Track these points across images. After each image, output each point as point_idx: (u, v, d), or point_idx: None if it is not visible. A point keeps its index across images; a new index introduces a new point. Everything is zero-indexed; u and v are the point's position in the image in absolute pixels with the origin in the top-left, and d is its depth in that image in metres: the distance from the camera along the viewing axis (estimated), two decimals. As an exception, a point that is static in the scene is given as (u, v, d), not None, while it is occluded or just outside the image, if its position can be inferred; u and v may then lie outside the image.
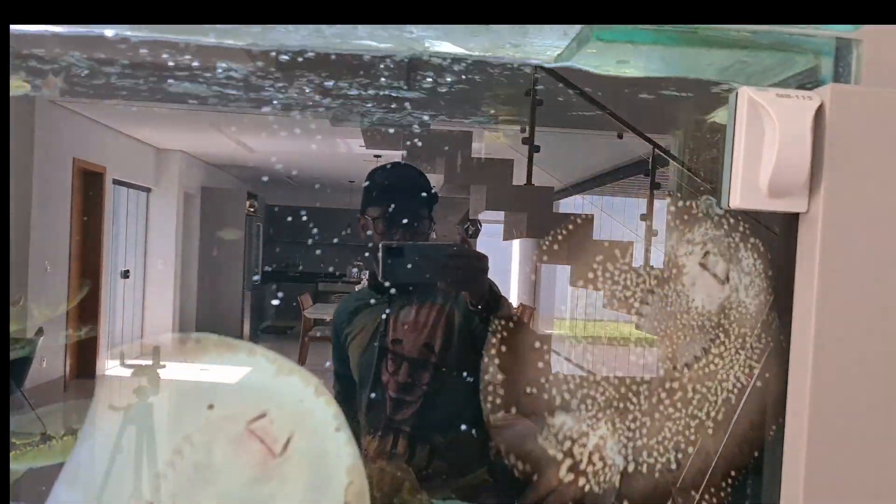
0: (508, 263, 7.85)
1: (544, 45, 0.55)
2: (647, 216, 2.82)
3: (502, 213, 3.62)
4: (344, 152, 5.93)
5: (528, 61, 0.63)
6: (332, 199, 7.97)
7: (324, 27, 0.61)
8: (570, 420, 0.80)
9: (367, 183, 1.36)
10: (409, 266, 1.11)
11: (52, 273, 4.30)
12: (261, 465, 0.81)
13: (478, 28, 0.50)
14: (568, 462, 0.78)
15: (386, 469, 1.24)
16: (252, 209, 7.04)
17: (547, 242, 0.82)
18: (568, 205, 5.38)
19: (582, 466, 0.78)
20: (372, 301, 1.31)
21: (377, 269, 1.14)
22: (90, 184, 4.74)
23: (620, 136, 3.22)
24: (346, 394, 1.29)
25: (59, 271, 4.41)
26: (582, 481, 0.77)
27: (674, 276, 0.77)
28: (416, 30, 0.52)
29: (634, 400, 0.77)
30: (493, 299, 1.13)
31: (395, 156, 4.65)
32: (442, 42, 0.55)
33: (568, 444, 0.78)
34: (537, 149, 3.02)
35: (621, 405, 0.77)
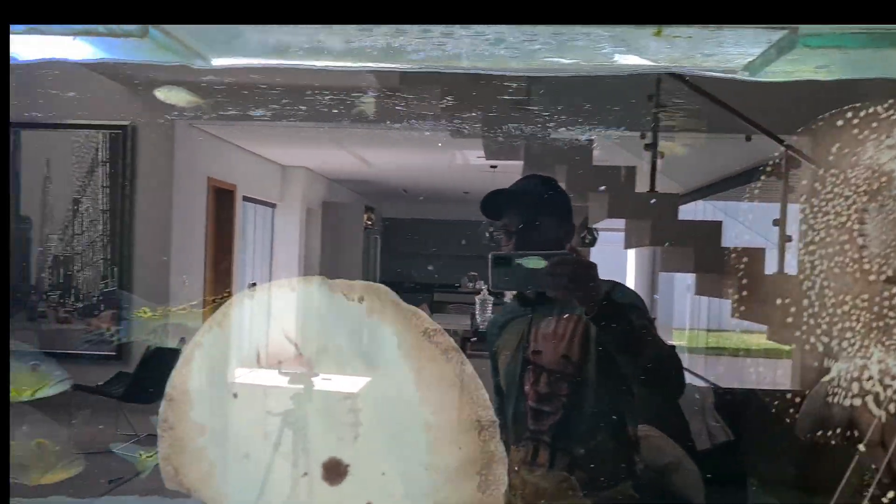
0: (624, 272, 7.69)
1: (737, 52, 0.54)
2: (779, 221, 2.70)
3: (622, 220, 3.56)
4: (459, 164, 5.99)
5: (711, 71, 0.61)
6: (446, 211, 8.08)
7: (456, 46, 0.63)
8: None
9: (499, 195, 1.36)
10: (517, 275, 1.12)
11: (190, 286, 4.56)
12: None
13: (679, 39, 0.50)
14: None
15: (528, 480, 1.25)
16: (370, 222, 7.23)
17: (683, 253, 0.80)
18: (688, 211, 5.21)
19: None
20: (517, 314, 1.32)
21: (489, 279, 1.16)
22: (222, 201, 5.01)
23: (749, 139, 3.10)
24: (500, 405, 1.30)
25: (196, 284, 4.68)
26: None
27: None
28: (608, 46, 0.52)
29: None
30: (613, 308, 1.11)
31: (515, 166, 4.66)
32: (628, 55, 0.55)
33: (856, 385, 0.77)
34: (661, 155, 2.95)
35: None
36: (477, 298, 4.63)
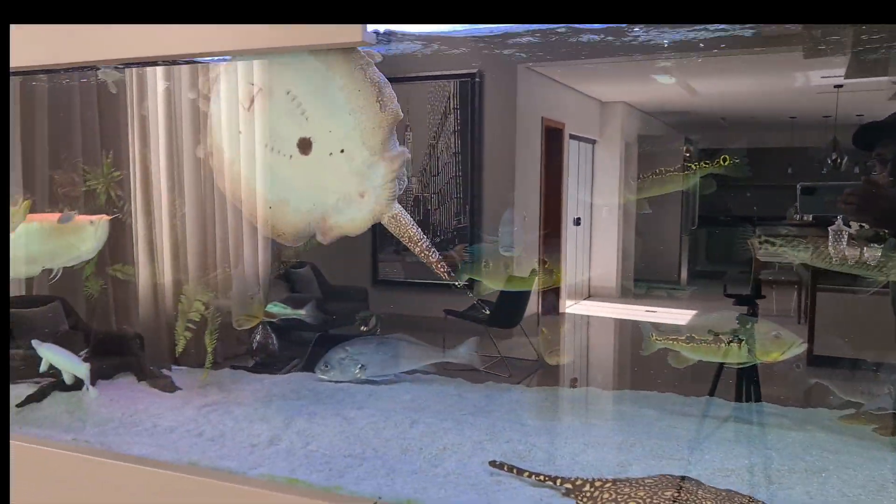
0: None
1: None
2: None
3: None
4: (797, 87, 5.56)
5: None
6: (769, 138, 7.56)
7: None
8: None
9: (873, 127, 1.40)
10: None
11: (529, 223, 4.85)
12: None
13: None
14: None
15: None
16: (687, 154, 7.03)
17: None
18: None
19: None
20: None
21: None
22: (552, 140, 5.21)
23: None
24: None
25: (532, 221, 4.96)
26: None
27: None
28: None
29: None
30: None
31: (866, 84, 4.23)
32: None
33: None
34: None
35: None
36: (830, 230, 4.32)
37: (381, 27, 1.84)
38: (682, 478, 1.92)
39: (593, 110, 6.15)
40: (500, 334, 4.19)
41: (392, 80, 4.72)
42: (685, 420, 2.65)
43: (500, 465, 2.22)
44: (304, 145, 2.52)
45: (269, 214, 2.61)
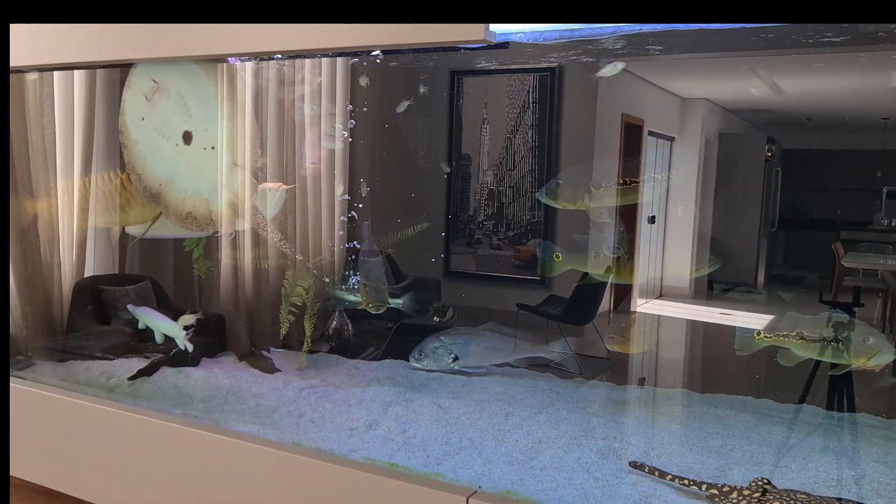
0: None
1: None
2: None
3: None
4: (882, 86, 5.33)
5: None
6: (858, 140, 7.26)
7: None
8: None
9: None
10: None
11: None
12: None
13: None
14: None
15: None
16: (769, 154, 6.83)
17: None
18: None
19: None
20: None
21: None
22: (631, 136, 5.13)
23: None
24: None
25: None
26: None
27: None
28: None
29: None
30: None
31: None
32: None
33: None
34: None
35: None
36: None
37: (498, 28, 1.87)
38: (839, 500, 1.87)
39: (674, 107, 6.04)
40: (572, 331, 4.17)
41: (471, 72, 4.75)
42: (781, 426, 2.60)
43: (641, 466, 2.21)
44: (187, 137, 3.28)
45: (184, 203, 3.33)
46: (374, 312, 3.11)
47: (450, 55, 4.35)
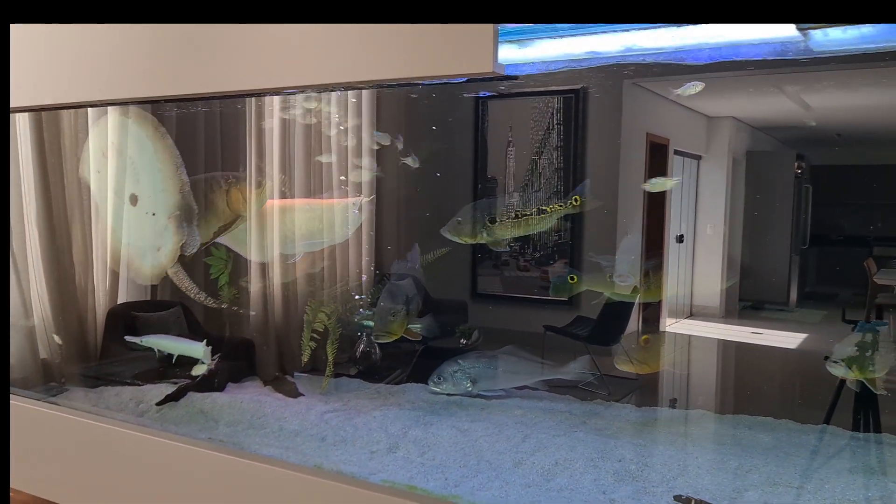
0: None
1: None
2: None
3: None
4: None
5: None
6: (888, 155, 7.17)
7: None
8: None
9: None
10: None
11: (632, 238, 4.78)
12: None
13: None
14: None
15: None
16: (799, 171, 6.76)
17: None
18: None
19: None
20: None
21: None
22: (657, 155, 5.12)
23: None
24: None
25: (635, 237, 4.88)
26: None
27: None
28: None
29: None
30: None
31: None
32: None
33: None
34: None
35: None
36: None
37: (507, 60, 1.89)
38: None
39: (699, 125, 6.01)
40: (601, 352, 4.15)
41: (496, 95, 4.78)
42: (801, 448, 2.56)
43: (687, 500, 2.18)
44: (133, 199, 3.48)
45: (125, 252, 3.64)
46: (382, 341, 3.11)
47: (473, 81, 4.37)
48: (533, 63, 1.85)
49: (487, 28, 1.71)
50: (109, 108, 3.39)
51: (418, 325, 3.07)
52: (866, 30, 1.62)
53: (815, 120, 6.48)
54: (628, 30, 1.78)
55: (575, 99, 4.46)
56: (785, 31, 1.68)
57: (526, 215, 2.65)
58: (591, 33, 1.80)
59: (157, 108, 3.40)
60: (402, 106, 4.45)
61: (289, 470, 2.32)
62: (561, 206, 2.71)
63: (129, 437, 2.70)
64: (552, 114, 4.55)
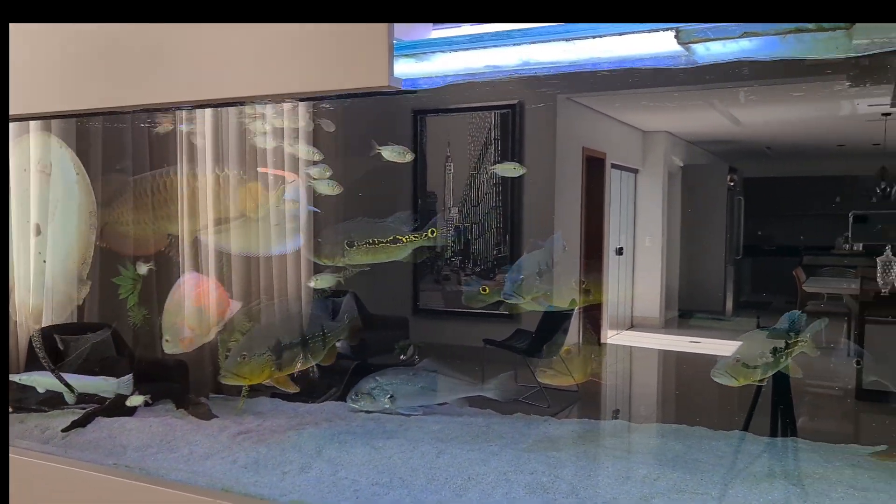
0: None
1: None
2: None
3: None
4: (843, 115, 5.47)
5: None
6: (815, 167, 7.43)
7: None
8: None
9: None
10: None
11: (568, 253, 4.83)
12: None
13: None
14: None
15: None
16: (731, 183, 6.95)
17: None
18: None
19: None
20: None
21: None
22: (593, 170, 5.20)
23: None
24: None
25: (573, 250, 4.94)
26: None
27: None
28: None
29: None
30: None
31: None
32: None
33: None
34: None
35: None
36: (879, 260, 4.24)
37: (405, 73, 1.89)
38: None
39: (636, 140, 6.13)
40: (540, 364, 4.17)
41: (433, 111, 4.78)
42: (710, 454, 2.62)
43: None
44: (37, 230, 3.39)
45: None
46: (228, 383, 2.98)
47: (410, 95, 4.38)
48: (431, 77, 1.87)
49: (382, 43, 1.71)
50: (31, 125, 3.28)
51: (337, 344, 3.04)
52: (745, 44, 1.66)
53: (742, 135, 6.68)
54: (521, 43, 1.79)
55: (511, 114, 4.51)
56: (671, 46, 1.72)
57: (382, 243, 2.74)
58: (487, 47, 1.81)
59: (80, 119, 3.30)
60: (339, 122, 4.42)
61: (195, 494, 2.28)
62: (416, 237, 2.79)
63: (32, 465, 2.63)
64: (489, 129, 4.59)
